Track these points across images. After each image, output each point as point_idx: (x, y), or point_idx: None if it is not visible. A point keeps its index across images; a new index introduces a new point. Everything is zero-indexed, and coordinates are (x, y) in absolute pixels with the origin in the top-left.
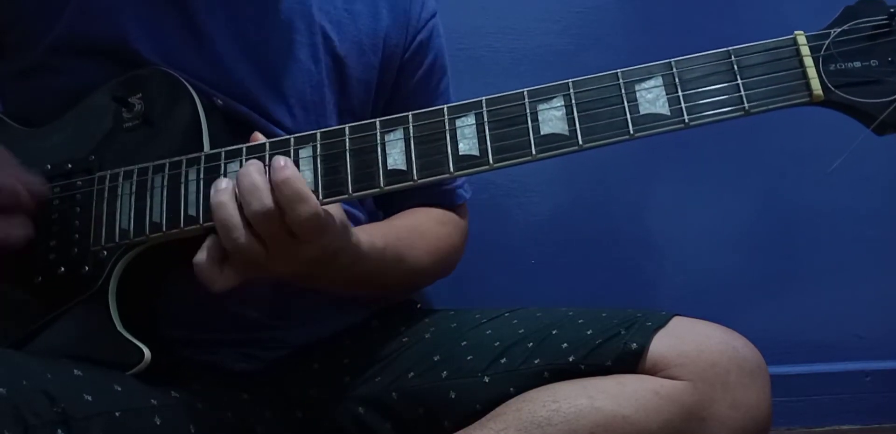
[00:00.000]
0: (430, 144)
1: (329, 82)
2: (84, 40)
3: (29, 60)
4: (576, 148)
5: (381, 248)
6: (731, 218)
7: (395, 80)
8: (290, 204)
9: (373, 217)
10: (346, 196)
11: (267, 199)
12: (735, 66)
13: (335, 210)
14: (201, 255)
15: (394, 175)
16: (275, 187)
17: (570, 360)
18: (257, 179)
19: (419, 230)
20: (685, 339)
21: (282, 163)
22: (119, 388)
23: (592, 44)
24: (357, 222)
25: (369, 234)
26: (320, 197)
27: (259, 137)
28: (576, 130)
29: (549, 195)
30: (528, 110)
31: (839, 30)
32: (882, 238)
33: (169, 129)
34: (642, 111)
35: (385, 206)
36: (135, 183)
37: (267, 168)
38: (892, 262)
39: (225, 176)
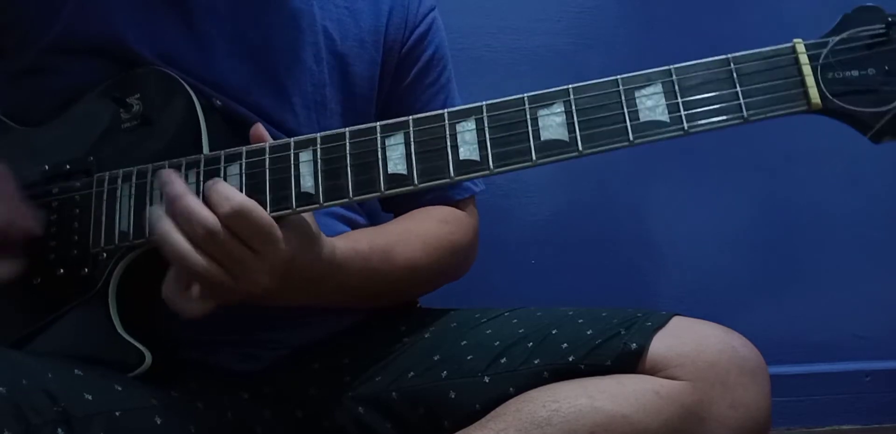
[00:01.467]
0: (431, 149)
1: (331, 81)
2: (83, 40)
3: (27, 60)
4: (576, 154)
5: (366, 253)
6: (730, 218)
7: (394, 75)
8: (230, 217)
9: (374, 220)
10: (347, 200)
11: (208, 220)
12: (734, 74)
13: (297, 221)
14: (167, 288)
15: (394, 180)
16: (210, 204)
17: (570, 359)
18: (190, 202)
19: (415, 230)
20: (685, 339)
21: (211, 181)
22: (119, 388)
23: (592, 44)
24: (354, 226)
25: (353, 240)
26: (321, 201)
27: (260, 129)
28: (576, 137)
29: (549, 195)
30: (528, 116)
31: (837, 38)
32: (882, 238)
33: (167, 129)
34: (642, 118)
35: (394, 207)
36: (134, 185)
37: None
38: (892, 262)
39: (226, 179)
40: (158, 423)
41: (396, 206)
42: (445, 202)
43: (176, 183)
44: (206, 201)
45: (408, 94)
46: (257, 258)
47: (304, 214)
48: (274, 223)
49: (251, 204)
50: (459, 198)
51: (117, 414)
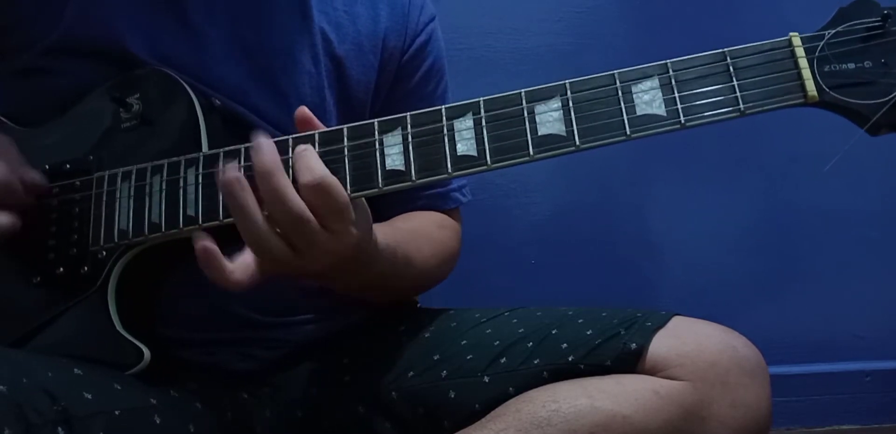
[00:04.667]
0: (429, 145)
1: (329, 83)
2: (82, 43)
3: (27, 62)
4: (573, 148)
5: (393, 248)
6: (731, 218)
7: (393, 83)
8: (310, 189)
9: None
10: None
11: (296, 206)
12: (731, 68)
13: (362, 206)
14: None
15: (392, 176)
16: (296, 173)
17: (570, 359)
18: (282, 182)
19: (422, 233)
20: (685, 339)
21: (303, 147)
22: (119, 388)
23: (593, 44)
24: None
25: (383, 234)
26: None
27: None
28: (573, 131)
29: (549, 195)
30: (525, 111)
31: (833, 31)
32: (882, 238)
33: (167, 129)
34: (639, 112)
35: (383, 213)
36: (133, 184)
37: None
38: (892, 262)
39: None
40: (158, 422)
41: (386, 211)
42: (434, 211)
43: (270, 157)
44: (292, 169)
45: (404, 103)
46: (330, 238)
47: (365, 204)
48: (349, 204)
49: (333, 179)
50: (448, 208)
51: (117, 413)
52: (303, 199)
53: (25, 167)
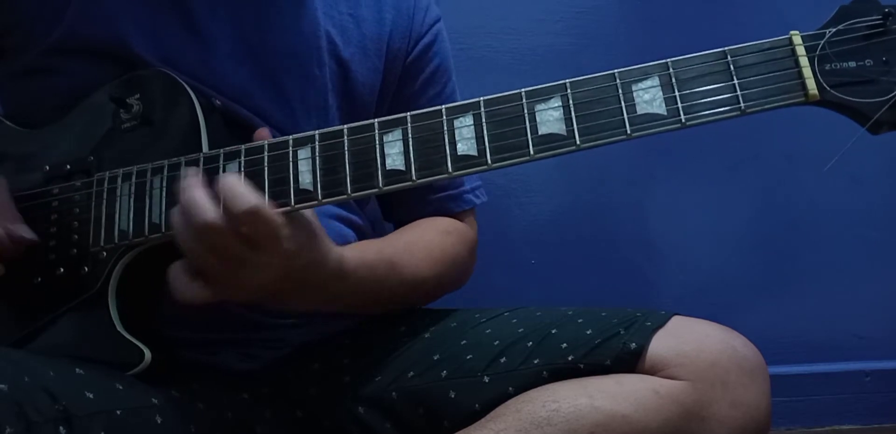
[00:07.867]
0: (429, 145)
1: (333, 86)
2: (84, 42)
3: (28, 62)
4: (573, 148)
5: (373, 262)
6: (731, 218)
7: (399, 85)
8: (239, 216)
9: (375, 222)
10: (346, 196)
11: (206, 212)
12: (731, 66)
13: (302, 221)
14: (173, 268)
15: (393, 175)
16: (225, 204)
17: (570, 359)
18: (194, 194)
19: (419, 242)
20: (684, 338)
21: (226, 179)
22: (120, 387)
23: (592, 44)
24: (355, 226)
25: (361, 250)
26: (319, 197)
27: (265, 134)
28: (573, 130)
29: (550, 195)
30: (525, 110)
31: (834, 30)
32: (882, 238)
33: (167, 129)
34: (639, 111)
35: (395, 217)
36: (134, 184)
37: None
38: (892, 262)
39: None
40: (159, 422)
41: (398, 215)
42: (447, 214)
43: (189, 177)
44: (219, 197)
45: (411, 105)
46: (257, 253)
47: (310, 218)
48: (283, 223)
49: (261, 204)
50: (460, 210)
51: (118, 413)
52: (234, 223)
53: (14, 220)
